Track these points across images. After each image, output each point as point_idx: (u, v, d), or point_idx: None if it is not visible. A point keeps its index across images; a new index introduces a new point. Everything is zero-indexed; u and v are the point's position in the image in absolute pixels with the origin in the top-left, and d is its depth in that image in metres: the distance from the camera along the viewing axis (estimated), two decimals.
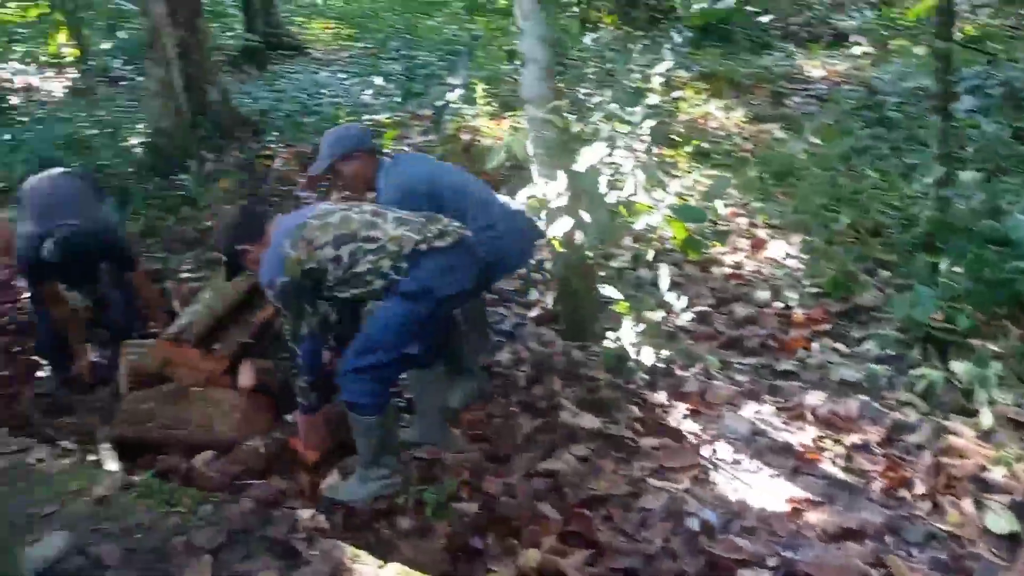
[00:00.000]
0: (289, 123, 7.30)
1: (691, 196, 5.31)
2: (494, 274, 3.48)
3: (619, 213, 3.86)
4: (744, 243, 5.27)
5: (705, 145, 6.59)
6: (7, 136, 6.96)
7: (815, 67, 8.69)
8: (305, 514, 2.67)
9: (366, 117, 7.16)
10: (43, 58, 11.19)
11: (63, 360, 4.16)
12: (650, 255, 3.92)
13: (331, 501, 2.93)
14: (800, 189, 5.72)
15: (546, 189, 3.81)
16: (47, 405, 3.92)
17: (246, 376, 3.52)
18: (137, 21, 8.10)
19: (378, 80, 7.77)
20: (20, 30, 11.29)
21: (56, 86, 10.49)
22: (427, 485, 2.91)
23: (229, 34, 11.29)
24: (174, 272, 5.02)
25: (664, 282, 3.79)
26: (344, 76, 9.03)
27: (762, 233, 5.36)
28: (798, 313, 4.39)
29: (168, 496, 2.70)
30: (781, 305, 4.51)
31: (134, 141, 7.31)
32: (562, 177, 3.79)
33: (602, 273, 4.37)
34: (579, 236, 3.79)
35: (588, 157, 3.85)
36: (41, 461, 3.02)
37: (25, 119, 8.27)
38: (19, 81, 10.35)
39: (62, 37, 11.15)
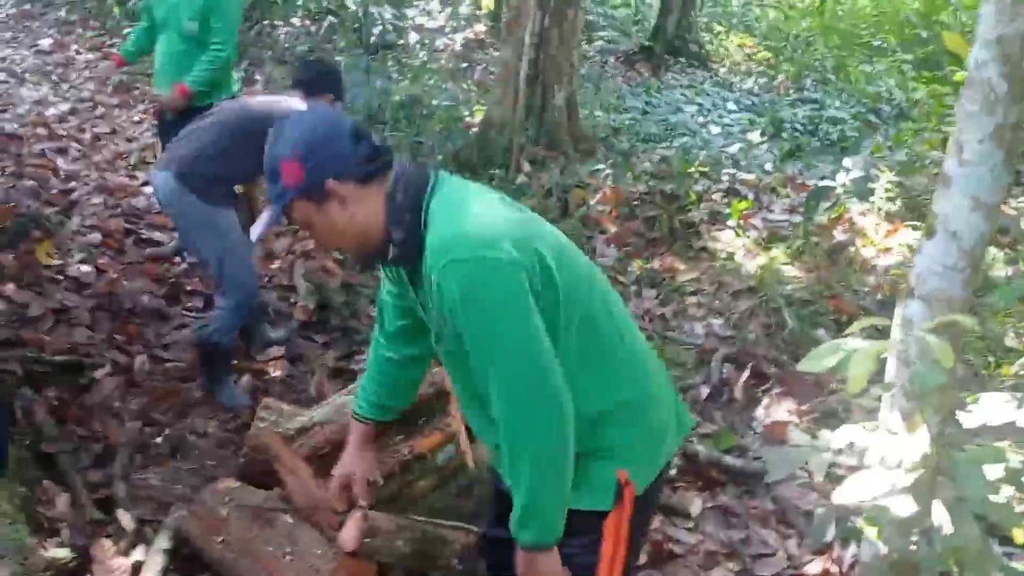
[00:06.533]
0: (626, 154, 6.08)
1: None
2: None
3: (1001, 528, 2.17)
4: None
5: None
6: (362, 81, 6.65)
7: None
8: None
9: (725, 172, 5.74)
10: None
11: None
12: None
13: None
14: None
15: (893, 449, 2.24)
16: None
17: (349, 534, 2.47)
18: None
19: (754, 135, 6.25)
20: None
21: (459, 38, 10.33)
22: None
23: (636, 28, 10.34)
24: None
25: None
26: (734, 108, 7.61)
27: None
28: None
29: None
30: None
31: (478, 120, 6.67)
32: (922, 440, 2.20)
33: None
34: (919, 544, 2.19)
35: (982, 415, 2.19)
36: None
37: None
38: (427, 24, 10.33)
39: None
